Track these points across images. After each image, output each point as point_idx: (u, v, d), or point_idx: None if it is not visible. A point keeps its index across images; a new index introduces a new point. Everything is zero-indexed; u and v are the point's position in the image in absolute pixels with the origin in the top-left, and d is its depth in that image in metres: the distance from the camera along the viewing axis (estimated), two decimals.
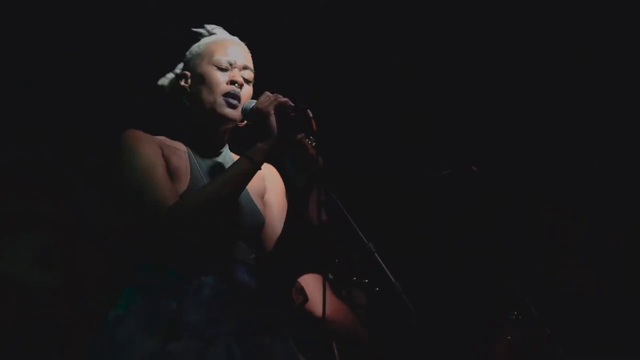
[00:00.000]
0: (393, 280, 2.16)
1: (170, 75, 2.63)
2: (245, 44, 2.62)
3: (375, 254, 2.19)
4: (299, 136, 2.39)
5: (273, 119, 2.38)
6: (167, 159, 2.45)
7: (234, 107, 2.49)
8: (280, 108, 2.39)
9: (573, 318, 4.26)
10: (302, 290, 3.08)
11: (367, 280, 3.40)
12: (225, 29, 2.67)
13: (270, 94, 2.44)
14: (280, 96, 2.42)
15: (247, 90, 2.53)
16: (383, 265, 2.18)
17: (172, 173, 2.43)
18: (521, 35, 4.45)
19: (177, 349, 2.26)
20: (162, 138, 2.51)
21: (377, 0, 4.38)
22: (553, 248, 4.60)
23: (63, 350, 4.15)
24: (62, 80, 4.26)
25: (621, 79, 4.48)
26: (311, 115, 2.34)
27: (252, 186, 2.48)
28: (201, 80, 2.52)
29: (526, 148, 4.67)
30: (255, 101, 2.47)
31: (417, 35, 4.55)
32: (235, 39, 2.63)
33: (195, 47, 2.61)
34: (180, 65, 2.63)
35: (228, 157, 2.58)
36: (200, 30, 2.64)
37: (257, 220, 2.50)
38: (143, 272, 2.40)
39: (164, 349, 2.26)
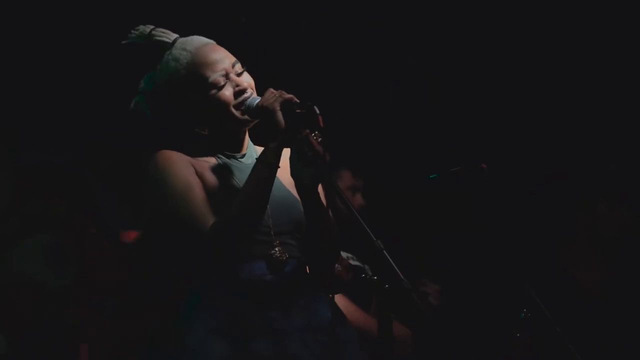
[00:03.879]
0: (402, 277, 2.15)
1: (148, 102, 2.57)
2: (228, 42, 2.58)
3: (384, 251, 2.18)
4: (305, 132, 2.38)
5: (280, 115, 2.36)
6: (201, 175, 2.44)
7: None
8: (286, 104, 2.37)
9: (573, 318, 4.26)
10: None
11: (376, 277, 3.39)
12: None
13: (275, 91, 2.42)
14: (285, 92, 2.41)
15: (247, 79, 2.51)
16: (392, 262, 2.17)
17: (208, 187, 2.42)
18: (522, 35, 4.46)
19: (256, 348, 2.29)
20: (187, 157, 2.48)
21: (380, 1, 4.39)
22: (553, 247, 4.60)
23: (74, 350, 4.15)
24: (80, 86, 4.26)
25: (622, 79, 4.49)
26: (318, 111, 2.32)
27: (285, 178, 2.47)
28: (209, 106, 2.48)
29: (526, 148, 4.67)
30: (259, 98, 2.45)
31: (417, 35, 4.55)
32: (208, 43, 2.55)
33: (173, 73, 2.50)
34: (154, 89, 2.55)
35: (254, 153, 2.55)
36: (163, 39, 2.56)
37: (300, 211, 2.48)
38: (201, 282, 2.40)
39: (243, 350, 2.28)
